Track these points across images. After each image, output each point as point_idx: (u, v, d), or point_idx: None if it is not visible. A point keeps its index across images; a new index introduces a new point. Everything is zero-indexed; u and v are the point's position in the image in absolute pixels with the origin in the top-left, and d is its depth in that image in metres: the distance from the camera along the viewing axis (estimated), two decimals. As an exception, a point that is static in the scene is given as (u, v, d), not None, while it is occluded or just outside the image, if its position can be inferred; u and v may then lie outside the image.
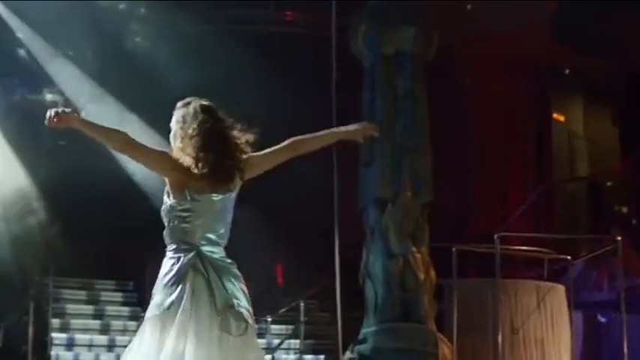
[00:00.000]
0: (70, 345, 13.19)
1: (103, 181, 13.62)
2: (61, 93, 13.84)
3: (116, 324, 13.92)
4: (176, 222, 5.85)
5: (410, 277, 12.16)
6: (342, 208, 12.83)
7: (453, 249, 11.82)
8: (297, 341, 12.73)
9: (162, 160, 5.84)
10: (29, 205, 13.72)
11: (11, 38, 13.54)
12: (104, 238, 14.18)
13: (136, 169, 13.82)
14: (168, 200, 5.86)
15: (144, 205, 14.03)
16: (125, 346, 12.94)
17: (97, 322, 13.91)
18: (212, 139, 5.87)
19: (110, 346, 13.38)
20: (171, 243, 5.88)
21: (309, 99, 13.31)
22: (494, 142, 16.00)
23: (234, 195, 5.96)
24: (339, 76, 12.87)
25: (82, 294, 14.55)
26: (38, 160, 13.74)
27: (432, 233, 12.54)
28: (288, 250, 14.02)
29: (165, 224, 5.89)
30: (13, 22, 13.41)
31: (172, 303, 5.71)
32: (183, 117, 5.95)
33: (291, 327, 13.37)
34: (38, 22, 13.35)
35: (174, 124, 6.03)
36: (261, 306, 14.14)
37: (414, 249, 12.29)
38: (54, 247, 13.80)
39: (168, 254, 5.83)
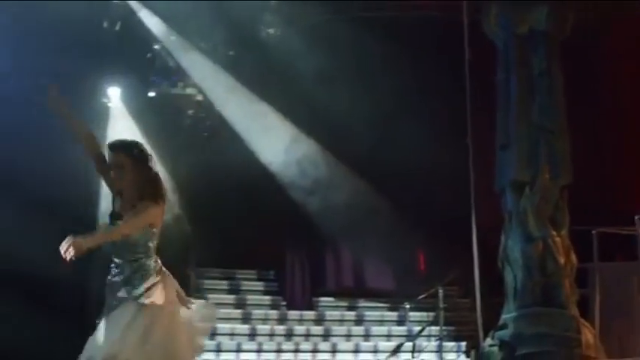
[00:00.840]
0: (212, 334, 13.33)
1: (240, 173, 13.73)
2: (197, 86, 14.01)
3: (257, 313, 14.06)
4: None
5: (550, 261, 11.95)
6: (480, 193, 12.71)
7: (593, 232, 11.56)
8: (438, 328, 12.62)
9: None
10: (167, 199, 13.91)
11: (146, 34, 13.76)
12: (244, 229, 14.30)
13: (272, 159, 13.98)
14: None
15: (281, 195, 14.19)
16: (266, 335, 13.26)
17: (239, 311, 14.07)
18: None
19: (251, 335, 13.51)
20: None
21: (441, 84, 13.15)
22: (633, 122, 15.49)
23: None
24: (472, 58, 12.78)
25: (223, 284, 14.72)
26: (177, 154, 13.91)
27: (572, 216, 12.33)
28: (427, 236, 13.91)
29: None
30: (147, 18, 13.64)
31: None
32: None
33: (431, 314, 13.28)
34: (171, 16, 13.53)
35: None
36: (401, 293, 14.16)
37: (553, 232, 12.06)
38: (195, 238, 13.99)
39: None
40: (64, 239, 5.76)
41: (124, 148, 6.39)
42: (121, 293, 6.13)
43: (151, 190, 6.37)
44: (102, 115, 13.57)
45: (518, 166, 12.22)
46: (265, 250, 14.76)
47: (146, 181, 6.37)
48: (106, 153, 6.39)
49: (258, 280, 15.07)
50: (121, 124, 13.52)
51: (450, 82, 12.79)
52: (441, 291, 12.10)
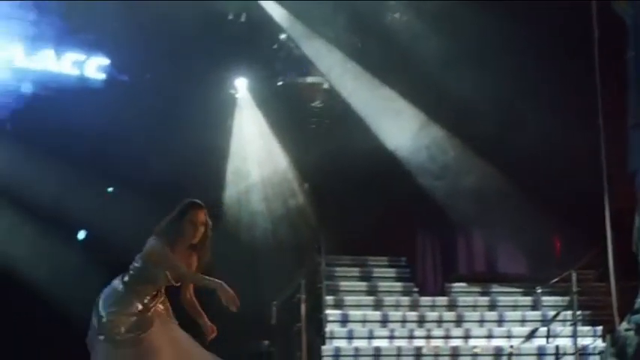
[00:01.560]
0: (344, 321, 13.40)
1: (368, 160, 13.74)
2: (323, 75, 14.05)
3: (389, 300, 14.02)
4: None
5: (688, 245, 11.56)
6: (613, 174, 12.37)
7: None
8: (572, 313, 12.36)
9: None
10: (291, 187, 14.07)
11: (271, 25, 13.86)
12: (374, 216, 14.29)
13: (399, 145, 13.93)
14: None
15: (409, 181, 14.13)
16: (398, 322, 13.23)
17: (370, 298, 14.06)
18: None
19: (383, 322, 13.48)
20: None
21: (568, 64, 12.86)
22: None
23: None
24: (600, 37, 12.44)
25: (354, 271, 14.73)
26: (305, 142, 14.00)
27: None
28: (559, 220, 13.64)
29: None
30: (272, 8, 13.73)
31: None
32: None
33: (566, 298, 13.04)
34: (295, 6, 13.62)
35: None
36: (533, 278, 13.94)
37: (691, 216, 11.66)
38: (325, 226, 14.04)
39: None
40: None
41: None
42: None
43: None
44: (229, 105, 13.78)
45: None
46: (396, 236, 14.74)
47: None
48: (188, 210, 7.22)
49: (390, 266, 15.03)
50: (247, 115, 13.69)
51: (577, 61, 12.50)
52: (574, 275, 11.84)
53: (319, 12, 13.48)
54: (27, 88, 13.08)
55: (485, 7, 12.71)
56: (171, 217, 7.21)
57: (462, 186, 13.60)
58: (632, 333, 12.20)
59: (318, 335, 13.13)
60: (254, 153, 14.25)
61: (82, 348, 7.15)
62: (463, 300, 14.09)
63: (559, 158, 13.04)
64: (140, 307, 7.07)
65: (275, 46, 14.10)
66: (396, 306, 13.92)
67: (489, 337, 13.21)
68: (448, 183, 13.72)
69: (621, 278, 12.08)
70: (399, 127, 13.81)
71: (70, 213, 12.92)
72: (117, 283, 7.19)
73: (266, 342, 13.58)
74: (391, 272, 14.90)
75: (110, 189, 13.92)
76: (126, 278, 7.15)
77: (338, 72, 13.94)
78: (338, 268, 14.57)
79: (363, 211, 14.31)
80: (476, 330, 13.32)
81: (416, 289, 14.45)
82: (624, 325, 12.39)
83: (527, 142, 12.78)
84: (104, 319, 7.01)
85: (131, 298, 7.10)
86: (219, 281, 6.81)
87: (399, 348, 12.86)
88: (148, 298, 7.13)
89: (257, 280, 13.56)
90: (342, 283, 14.30)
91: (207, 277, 6.98)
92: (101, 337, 7.04)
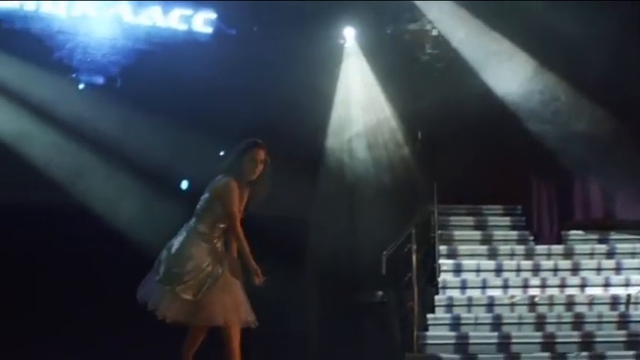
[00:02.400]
0: (457, 271, 13.27)
1: (479, 105, 13.51)
2: (431, 22, 13.82)
3: (503, 248, 13.82)
4: None
5: None
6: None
7: None
8: None
9: None
10: (400, 136, 13.95)
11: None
12: (488, 163, 14.06)
13: (509, 91, 13.62)
14: None
15: (522, 127, 13.81)
16: (513, 271, 13.03)
17: (484, 247, 13.87)
18: None
19: (497, 271, 13.30)
20: None
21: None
22: None
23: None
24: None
25: (468, 220, 14.54)
26: (415, 91, 13.79)
27: None
28: None
29: None
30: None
31: None
32: None
33: None
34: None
35: None
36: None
37: None
38: (437, 175, 13.86)
39: None
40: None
41: None
42: None
43: None
44: (336, 55, 13.71)
45: None
46: (511, 184, 14.45)
47: None
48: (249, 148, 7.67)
49: (505, 214, 14.78)
50: (354, 63, 13.60)
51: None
52: None
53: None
54: (135, 44, 13.20)
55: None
56: (233, 156, 7.69)
57: (576, 130, 13.23)
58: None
59: (431, 285, 13.04)
60: (361, 101, 14.13)
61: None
62: (580, 248, 13.79)
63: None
64: (208, 258, 7.49)
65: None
66: (511, 255, 13.72)
67: (606, 285, 12.89)
68: (561, 128, 13.35)
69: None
70: (509, 72, 13.48)
71: (179, 169, 13.09)
72: (188, 229, 7.58)
73: (379, 292, 13.56)
74: (506, 220, 14.65)
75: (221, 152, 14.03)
76: (193, 222, 7.58)
77: (446, 18, 13.67)
78: (452, 217, 14.41)
79: (475, 159, 14.06)
80: (592, 278, 13.03)
81: (531, 238, 14.20)
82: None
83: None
84: (176, 272, 7.45)
85: (200, 241, 7.51)
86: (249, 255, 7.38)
87: (512, 297, 12.68)
88: (216, 239, 7.56)
89: (367, 230, 13.53)
90: (456, 232, 14.15)
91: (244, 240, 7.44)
92: (167, 288, 7.46)
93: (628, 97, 12.66)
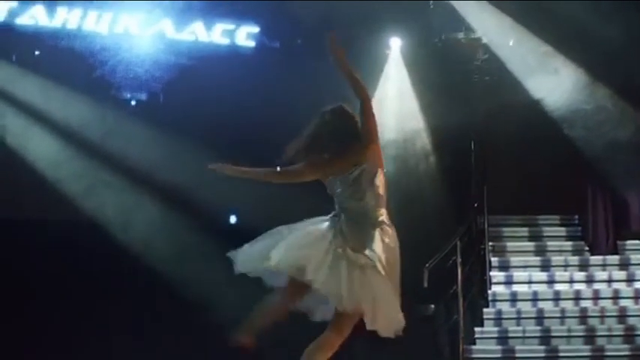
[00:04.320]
0: (508, 283, 12.94)
1: (529, 115, 13.32)
2: (474, 31, 13.61)
3: (556, 260, 13.41)
4: None
5: None
6: None
7: None
8: None
9: None
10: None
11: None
12: (543, 173, 13.76)
13: (558, 100, 13.34)
14: None
15: (574, 137, 13.52)
16: (565, 282, 12.69)
17: (537, 258, 13.50)
18: None
19: (550, 282, 12.93)
20: None
21: None
22: None
23: None
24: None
25: (522, 231, 14.13)
26: (464, 102, 13.55)
27: None
28: None
29: None
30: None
31: None
32: None
33: None
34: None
35: None
36: None
37: None
38: (490, 185, 13.60)
39: None
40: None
41: None
42: None
43: None
44: (379, 65, 13.62)
45: None
46: (569, 194, 14.10)
47: None
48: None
49: (561, 225, 14.40)
50: (395, 75, 13.50)
51: None
52: None
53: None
54: (178, 59, 13.23)
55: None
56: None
57: (625, 139, 12.91)
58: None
59: (481, 297, 12.81)
60: (395, 112, 13.97)
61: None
62: (636, 258, 13.37)
63: None
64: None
65: (431, 5, 13.68)
66: (564, 266, 13.40)
67: (662, 297, 12.52)
68: (609, 136, 13.02)
69: None
70: (556, 81, 13.23)
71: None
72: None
73: (432, 306, 13.32)
74: (562, 231, 14.29)
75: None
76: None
77: (493, 26, 13.48)
78: (505, 228, 14.09)
79: (531, 169, 13.82)
80: (647, 289, 12.65)
81: (586, 248, 13.83)
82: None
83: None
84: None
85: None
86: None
87: (562, 310, 12.38)
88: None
89: (412, 242, 13.32)
90: (509, 244, 13.83)
91: None
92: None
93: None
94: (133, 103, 13.41)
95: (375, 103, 13.92)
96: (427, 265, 11.78)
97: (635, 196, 13.63)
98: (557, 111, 13.47)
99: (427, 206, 13.61)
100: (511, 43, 13.57)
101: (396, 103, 13.92)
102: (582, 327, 12.00)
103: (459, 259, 12.07)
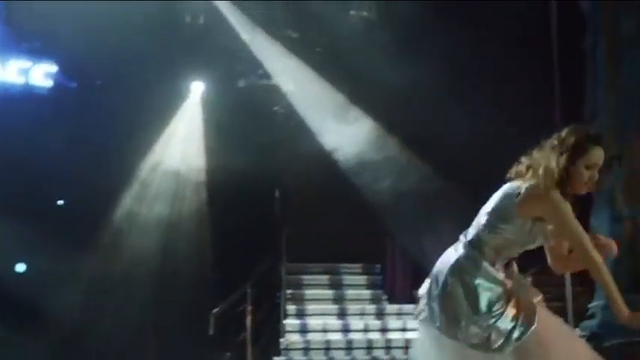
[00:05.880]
0: (303, 331, 12.82)
1: (328, 164, 13.37)
2: (274, 79, 13.65)
3: (353, 308, 13.39)
4: None
5: (642, 243, 10.82)
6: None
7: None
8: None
9: None
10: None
11: (227, 27, 13.45)
12: (344, 222, 13.74)
13: (351, 150, 13.42)
14: None
15: (371, 186, 13.58)
16: (359, 331, 12.64)
17: (335, 306, 13.49)
18: None
19: (344, 331, 12.90)
20: None
21: (523, 53, 12.21)
22: None
23: None
24: (558, 24, 11.74)
25: (323, 278, 14.14)
26: (265, 147, 13.49)
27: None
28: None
29: None
30: (229, 11, 13.39)
31: None
32: None
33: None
34: (250, 5, 13.29)
35: None
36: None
37: (645, 211, 10.92)
38: (290, 232, 13.52)
39: None
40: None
41: None
42: None
43: None
44: (176, 109, 13.53)
45: (605, 139, 11.12)
46: (372, 243, 14.15)
47: None
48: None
49: (363, 273, 14.46)
50: (190, 117, 13.43)
51: (534, 50, 11.87)
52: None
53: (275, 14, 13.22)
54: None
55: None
56: (562, 155, 5.03)
57: (415, 189, 13.04)
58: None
59: (274, 346, 12.67)
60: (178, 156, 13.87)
61: None
62: (432, 307, 13.41)
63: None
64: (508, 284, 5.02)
65: (232, 50, 13.61)
66: (361, 314, 13.40)
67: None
68: (402, 185, 13.14)
69: (576, 283, 11.39)
70: (349, 133, 13.33)
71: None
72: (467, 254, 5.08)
73: (228, 354, 13.13)
74: (363, 280, 14.34)
75: (60, 201, 13.63)
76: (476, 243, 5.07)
77: (294, 77, 13.58)
78: (305, 276, 14.06)
79: (334, 218, 13.79)
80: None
81: (385, 297, 13.88)
82: (577, 331, 11.68)
83: (463, 140, 12.09)
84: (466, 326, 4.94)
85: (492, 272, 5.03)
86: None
87: (354, 359, 12.36)
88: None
89: (203, 288, 13.19)
90: (307, 292, 13.77)
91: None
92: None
93: (456, 153, 12.37)
94: None
95: (162, 142, 13.95)
96: (214, 311, 11.64)
97: (431, 245, 13.70)
98: (349, 161, 13.52)
99: (219, 251, 13.46)
100: (306, 93, 13.63)
101: (183, 145, 13.81)
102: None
103: (249, 307, 11.98)
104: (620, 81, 11.24)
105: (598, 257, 4.90)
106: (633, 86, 11.18)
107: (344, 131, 13.37)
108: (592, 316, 10.78)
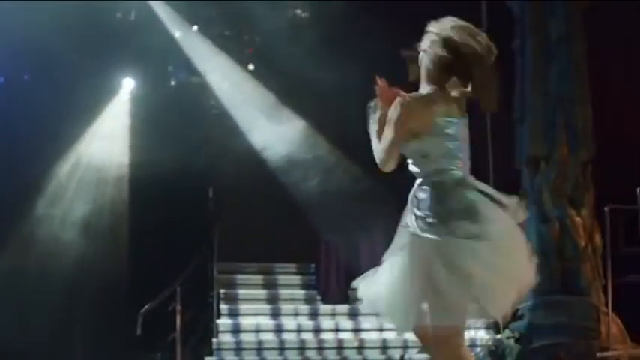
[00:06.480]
0: (236, 331, 12.77)
1: (260, 162, 13.30)
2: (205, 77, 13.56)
3: (286, 308, 13.32)
4: None
5: (568, 244, 10.89)
6: (498, 171, 11.71)
7: (605, 209, 10.45)
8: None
9: None
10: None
11: (161, 27, 13.36)
12: (283, 221, 13.68)
13: (279, 149, 13.38)
14: None
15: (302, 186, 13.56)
16: (292, 331, 12.59)
17: (268, 306, 13.44)
18: None
19: (277, 331, 12.84)
20: None
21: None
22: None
23: None
24: (488, 25, 11.76)
25: (257, 278, 14.01)
26: (195, 145, 13.39)
27: (609, 195, 11.15)
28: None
29: None
30: (160, 7, 13.29)
31: None
32: None
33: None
34: (181, 5, 13.23)
35: None
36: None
37: (572, 212, 10.99)
38: (223, 232, 13.42)
39: None
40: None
41: None
42: None
43: None
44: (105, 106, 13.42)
45: (533, 139, 11.22)
46: (306, 243, 14.09)
47: None
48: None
49: (297, 273, 14.39)
50: (118, 114, 13.34)
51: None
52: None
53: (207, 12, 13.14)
54: None
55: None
56: None
57: (350, 189, 13.01)
58: (512, 341, 11.52)
59: (205, 345, 12.60)
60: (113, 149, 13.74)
61: None
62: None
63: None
64: None
65: (164, 46, 13.49)
66: (294, 314, 13.35)
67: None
68: (332, 185, 13.11)
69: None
70: (279, 132, 13.29)
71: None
72: None
73: (159, 354, 13.01)
74: (297, 279, 14.27)
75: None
76: None
77: (225, 76, 13.51)
78: (238, 275, 13.97)
79: (268, 217, 13.72)
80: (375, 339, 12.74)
81: (319, 297, 13.85)
82: (506, 332, 11.71)
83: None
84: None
85: None
86: None
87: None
88: None
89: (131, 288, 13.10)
90: (241, 291, 13.70)
91: None
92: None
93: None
94: None
95: (88, 138, 13.80)
96: (142, 310, 11.52)
97: (364, 245, 13.69)
98: (280, 160, 13.47)
99: (146, 249, 13.34)
100: (237, 91, 13.59)
101: (108, 141, 13.68)
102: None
103: (178, 306, 11.87)
104: (548, 82, 11.33)
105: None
106: (560, 87, 11.27)
107: (274, 130, 13.30)
108: (520, 317, 10.84)
